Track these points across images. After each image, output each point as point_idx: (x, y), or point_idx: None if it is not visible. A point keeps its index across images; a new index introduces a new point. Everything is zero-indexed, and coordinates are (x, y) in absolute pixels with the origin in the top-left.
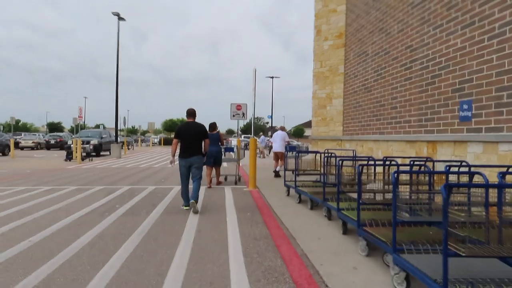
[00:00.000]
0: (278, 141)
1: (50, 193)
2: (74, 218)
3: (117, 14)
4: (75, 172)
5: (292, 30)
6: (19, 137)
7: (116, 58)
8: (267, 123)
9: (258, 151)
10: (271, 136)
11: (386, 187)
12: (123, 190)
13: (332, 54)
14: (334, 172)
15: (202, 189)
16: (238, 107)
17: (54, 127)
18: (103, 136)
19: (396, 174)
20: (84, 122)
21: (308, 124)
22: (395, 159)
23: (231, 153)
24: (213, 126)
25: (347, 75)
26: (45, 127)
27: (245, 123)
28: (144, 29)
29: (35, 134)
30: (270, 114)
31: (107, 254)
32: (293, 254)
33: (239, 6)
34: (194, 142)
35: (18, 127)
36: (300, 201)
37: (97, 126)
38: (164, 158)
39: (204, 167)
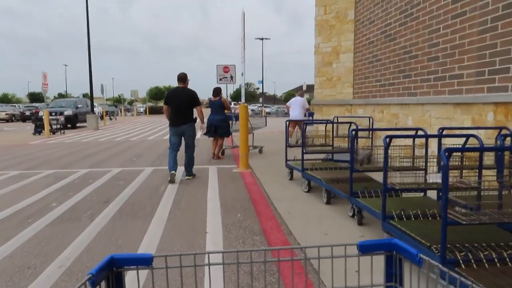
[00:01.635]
0: (297, 108)
1: None
2: None
3: None
4: (35, 149)
5: None
6: None
7: (86, 16)
8: (258, 88)
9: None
10: (262, 104)
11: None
12: (76, 176)
13: None
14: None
15: (178, 173)
16: (226, 68)
17: (36, 98)
18: (79, 106)
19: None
20: (67, 91)
21: (299, 90)
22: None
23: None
24: (216, 91)
25: (359, 22)
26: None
27: (234, 90)
28: None
29: (14, 106)
30: (261, 79)
31: None
32: None
33: None
34: (184, 109)
35: None
36: (309, 189)
37: (85, 96)
38: (146, 129)
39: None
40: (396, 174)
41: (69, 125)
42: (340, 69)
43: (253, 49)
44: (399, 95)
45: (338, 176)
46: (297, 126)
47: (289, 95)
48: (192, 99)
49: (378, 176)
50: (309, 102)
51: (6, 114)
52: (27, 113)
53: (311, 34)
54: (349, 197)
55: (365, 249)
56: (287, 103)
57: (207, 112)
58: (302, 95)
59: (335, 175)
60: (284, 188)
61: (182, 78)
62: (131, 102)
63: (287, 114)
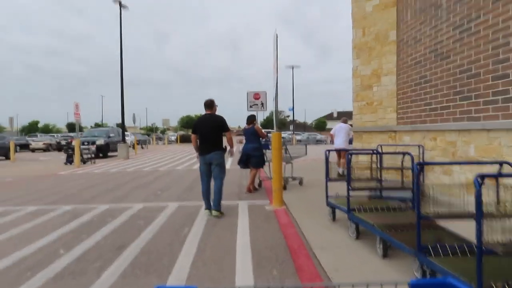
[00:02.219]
0: (341, 136)
1: None
2: None
3: (119, 2)
4: (62, 180)
5: (313, 25)
6: (32, 139)
7: (120, 48)
8: (288, 116)
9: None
10: (293, 132)
11: None
12: (94, 213)
13: (379, 17)
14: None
15: (203, 212)
16: (256, 95)
17: (74, 128)
18: (111, 135)
19: None
20: (102, 121)
21: (330, 117)
22: None
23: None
24: (250, 119)
25: (402, 42)
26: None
27: (265, 117)
28: (165, 30)
29: (52, 135)
30: (291, 107)
31: None
32: None
33: (259, 3)
34: (211, 137)
35: (37, 129)
36: (358, 235)
37: (119, 125)
38: (175, 159)
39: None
40: (491, 226)
41: (100, 155)
42: (381, 92)
43: (283, 78)
44: (455, 119)
45: (394, 221)
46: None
47: (320, 122)
48: (219, 125)
49: (449, 224)
50: (322, 126)
51: (43, 143)
52: (63, 142)
53: (339, 63)
54: (416, 253)
55: None
56: (331, 131)
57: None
58: (346, 122)
59: (390, 218)
60: (327, 232)
61: (209, 104)
62: (163, 131)
63: (331, 142)
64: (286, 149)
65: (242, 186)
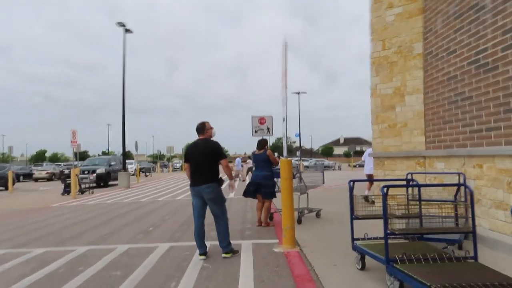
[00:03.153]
0: (371, 161)
1: None
2: None
3: (123, 25)
4: (50, 214)
5: (318, 53)
6: (37, 168)
7: (122, 74)
8: (294, 142)
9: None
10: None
11: None
12: (66, 260)
13: (402, 28)
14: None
15: (197, 258)
16: (262, 120)
17: (81, 157)
18: (112, 163)
19: None
20: (109, 149)
21: (337, 143)
22: None
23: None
24: (261, 143)
25: (430, 55)
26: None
27: (271, 144)
28: (174, 59)
29: (58, 164)
30: (298, 133)
31: None
32: None
33: (265, 32)
34: (204, 165)
35: (44, 158)
36: None
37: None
38: (177, 187)
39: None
40: None
41: (102, 184)
42: (406, 113)
43: (289, 104)
44: (508, 142)
45: (458, 279)
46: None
47: (326, 148)
48: (213, 152)
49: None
50: (329, 152)
51: (46, 173)
52: (66, 171)
53: (345, 89)
54: None
55: None
56: (362, 157)
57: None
58: None
59: (449, 274)
60: None
61: (200, 128)
62: (169, 159)
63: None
64: (300, 178)
65: (246, 220)
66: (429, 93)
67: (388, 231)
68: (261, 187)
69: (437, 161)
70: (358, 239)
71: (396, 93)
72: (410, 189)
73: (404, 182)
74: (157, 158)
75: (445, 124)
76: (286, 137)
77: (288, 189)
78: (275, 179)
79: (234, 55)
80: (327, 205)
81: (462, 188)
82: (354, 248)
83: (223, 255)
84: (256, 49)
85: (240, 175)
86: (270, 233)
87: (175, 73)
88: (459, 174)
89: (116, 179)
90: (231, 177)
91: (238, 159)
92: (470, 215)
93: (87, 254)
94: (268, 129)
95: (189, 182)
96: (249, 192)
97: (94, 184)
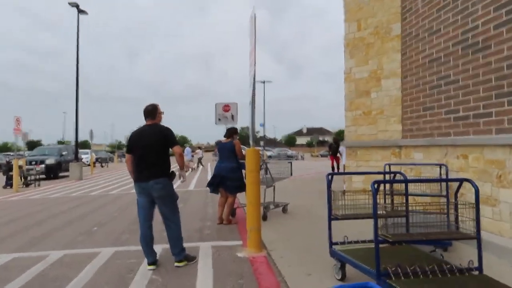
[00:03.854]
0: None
1: None
2: None
3: (76, 5)
4: None
5: (283, 44)
6: None
7: (76, 57)
8: (258, 132)
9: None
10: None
11: None
12: None
13: (378, 7)
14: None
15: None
16: (226, 107)
17: (33, 146)
18: (63, 153)
19: None
20: (63, 138)
21: (299, 133)
22: None
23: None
24: (230, 131)
25: (410, 36)
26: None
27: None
28: (137, 48)
29: (8, 154)
30: (262, 122)
31: None
32: None
33: (231, 21)
34: (152, 156)
35: None
36: None
37: (85, 143)
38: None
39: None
40: None
41: (52, 175)
42: (382, 99)
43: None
44: (500, 131)
45: None
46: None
47: (289, 138)
48: (164, 138)
49: None
50: (292, 142)
51: None
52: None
53: (308, 81)
54: None
55: None
56: (340, 149)
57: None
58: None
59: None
60: None
61: (151, 111)
62: None
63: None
64: (267, 169)
65: (206, 216)
66: (408, 77)
67: (380, 238)
68: (226, 180)
69: (414, 151)
70: (336, 243)
71: (372, 77)
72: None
73: (383, 175)
74: (116, 148)
75: (425, 111)
76: (254, 122)
77: (255, 184)
78: (243, 171)
79: (198, 45)
80: (293, 198)
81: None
82: (333, 254)
83: (176, 264)
84: (221, 39)
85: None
86: (232, 233)
87: (139, 62)
88: (440, 165)
89: (68, 170)
90: (182, 167)
91: (187, 148)
92: (469, 217)
93: (9, 265)
94: (233, 116)
95: (134, 177)
96: (212, 186)
97: (44, 176)
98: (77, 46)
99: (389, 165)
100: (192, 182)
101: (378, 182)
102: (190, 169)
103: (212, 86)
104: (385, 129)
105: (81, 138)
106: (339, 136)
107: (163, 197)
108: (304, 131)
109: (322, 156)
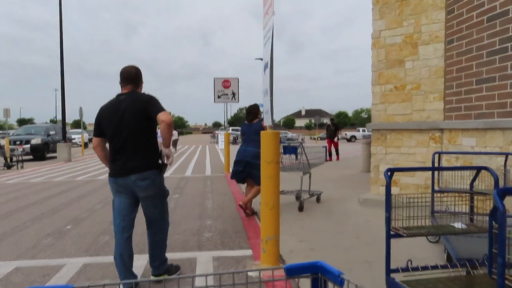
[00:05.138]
0: None
1: None
2: None
3: None
4: None
5: (283, 21)
6: None
7: (60, 30)
8: None
9: None
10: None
11: None
12: None
13: None
14: None
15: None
16: (226, 83)
17: (24, 124)
18: (51, 133)
19: None
20: (56, 117)
21: (298, 115)
22: None
23: (292, 156)
24: (252, 111)
25: None
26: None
27: (232, 114)
28: (134, 23)
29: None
30: (262, 103)
31: None
32: None
33: None
34: (132, 137)
35: None
36: None
37: (77, 122)
38: None
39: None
40: None
41: (39, 156)
42: (419, 70)
43: (251, 75)
44: None
45: None
46: None
47: (288, 120)
48: (146, 108)
49: None
50: (291, 124)
51: None
52: (2, 142)
53: (308, 60)
54: None
55: (292, 272)
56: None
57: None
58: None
59: None
60: None
61: (133, 75)
62: None
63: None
64: (303, 154)
65: (205, 214)
66: (455, 42)
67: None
68: (252, 168)
69: (462, 135)
70: (397, 270)
71: (406, 42)
72: (425, 178)
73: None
74: None
75: (480, 84)
76: (272, 92)
77: (274, 178)
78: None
79: (197, 20)
80: (321, 186)
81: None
82: (392, 286)
83: (153, 277)
84: (220, 15)
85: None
86: (239, 235)
87: (135, 38)
88: (507, 155)
89: (55, 151)
90: (168, 144)
91: (159, 130)
92: None
93: None
94: (234, 94)
95: (109, 170)
96: (237, 174)
97: (31, 157)
98: (60, 19)
99: (439, 153)
100: (189, 166)
101: (393, 170)
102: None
103: (210, 64)
104: (422, 108)
105: (76, 117)
106: (339, 118)
107: (151, 197)
108: (303, 113)
109: (321, 139)
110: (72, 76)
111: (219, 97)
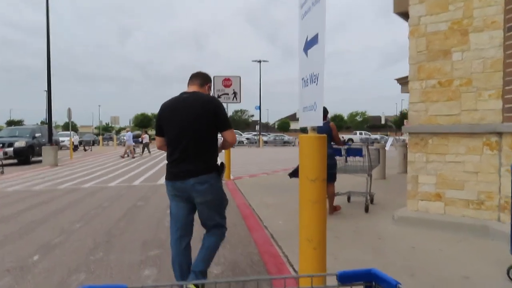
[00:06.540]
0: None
1: None
2: None
3: None
4: None
5: (277, 25)
6: None
7: (46, 29)
8: (252, 115)
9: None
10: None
11: None
12: None
13: None
14: None
15: None
16: (227, 81)
17: (15, 125)
18: (37, 135)
19: None
20: (46, 119)
21: (293, 117)
22: None
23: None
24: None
25: None
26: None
27: (231, 113)
28: (128, 26)
29: None
30: (258, 105)
31: None
32: None
33: (224, 1)
34: (193, 139)
35: None
36: None
37: (66, 125)
38: (116, 167)
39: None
40: None
41: (23, 160)
42: (470, 63)
43: (247, 77)
44: None
45: None
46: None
47: (283, 123)
48: (213, 113)
49: None
50: (286, 127)
51: None
52: None
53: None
54: None
55: (345, 279)
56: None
57: None
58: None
59: None
60: None
61: (199, 75)
62: (119, 130)
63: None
64: (369, 155)
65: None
66: None
67: None
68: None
69: None
70: None
71: (454, 29)
72: (478, 191)
73: None
74: (104, 130)
75: None
76: (323, 76)
77: (319, 204)
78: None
79: (191, 24)
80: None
81: None
82: None
83: (190, 286)
84: (214, 19)
85: (128, 151)
86: (255, 268)
87: (129, 41)
88: None
89: (41, 154)
90: (221, 150)
91: (129, 133)
92: None
93: None
94: (235, 93)
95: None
96: (297, 173)
97: (15, 161)
98: (47, 19)
99: None
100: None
101: None
102: (128, 154)
103: (205, 67)
104: (474, 108)
105: (65, 119)
106: (333, 121)
107: (210, 202)
108: (298, 115)
109: None
110: (65, 79)
111: (219, 96)
